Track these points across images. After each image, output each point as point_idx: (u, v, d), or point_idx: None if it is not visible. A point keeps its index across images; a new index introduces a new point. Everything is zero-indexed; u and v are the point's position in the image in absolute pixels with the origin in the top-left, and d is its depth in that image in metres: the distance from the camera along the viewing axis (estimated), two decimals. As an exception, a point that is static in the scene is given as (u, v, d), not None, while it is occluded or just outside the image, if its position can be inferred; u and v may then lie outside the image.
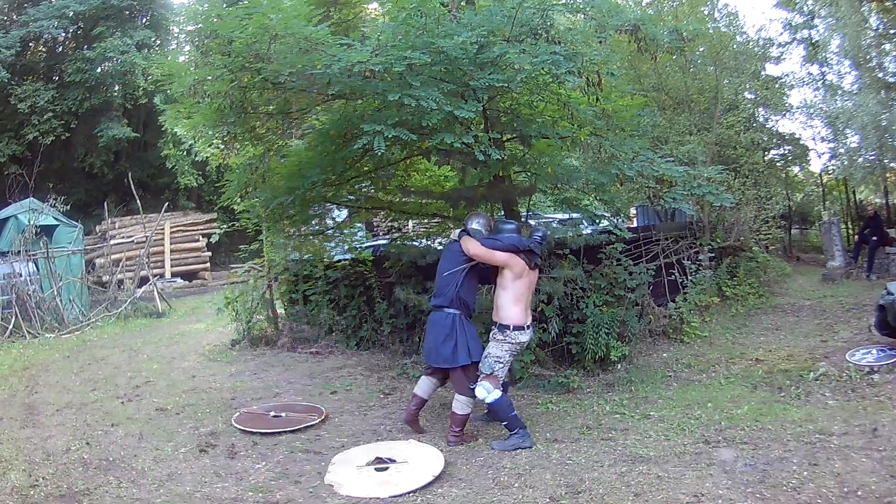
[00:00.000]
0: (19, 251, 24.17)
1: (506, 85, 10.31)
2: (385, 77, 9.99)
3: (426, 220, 17.64)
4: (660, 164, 11.97)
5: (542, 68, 10.28)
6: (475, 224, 11.02)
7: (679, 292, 16.67)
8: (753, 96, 26.29)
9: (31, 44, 44.31)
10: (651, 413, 11.29)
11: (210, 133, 13.21)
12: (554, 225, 14.95)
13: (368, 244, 17.96)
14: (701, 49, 21.39)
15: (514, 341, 10.53)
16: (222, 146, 16.67)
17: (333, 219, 16.81)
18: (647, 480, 8.53)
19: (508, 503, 8.27)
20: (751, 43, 24.77)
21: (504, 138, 12.21)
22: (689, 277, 16.99)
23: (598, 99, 11.72)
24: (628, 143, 12.09)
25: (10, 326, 21.70)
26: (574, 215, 15.21)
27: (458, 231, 11.25)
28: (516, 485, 8.77)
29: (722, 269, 18.88)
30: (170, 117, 13.88)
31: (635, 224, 22.26)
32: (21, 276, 23.28)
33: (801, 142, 32.51)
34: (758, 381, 12.77)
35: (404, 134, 10.07)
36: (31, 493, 9.35)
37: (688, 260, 17.50)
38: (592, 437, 10.33)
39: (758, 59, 25.20)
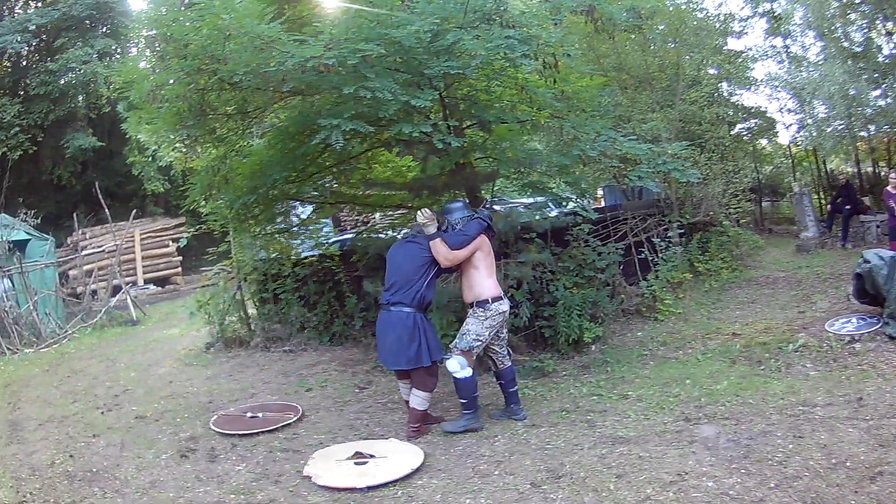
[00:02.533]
0: (-6, 268, 24.00)
1: (461, 72, 10.39)
2: (339, 71, 9.97)
3: (391, 212, 17.62)
4: (623, 143, 12.04)
5: (498, 53, 10.37)
6: (432, 227, 10.81)
7: (650, 270, 16.71)
8: (716, 71, 26.33)
9: (-6, 60, 44.16)
10: (629, 393, 11.34)
11: (171, 137, 13.12)
12: (519, 209, 14.92)
13: (335, 239, 17.95)
14: (661, 27, 21.42)
15: (496, 312, 10.56)
16: (185, 150, 16.67)
17: (298, 216, 16.80)
18: (629, 461, 8.57)
19: (489, 491, 8.28)
20: (711, 18, 24.82)
21: (463, 125, 12.24)
22: (660, 255, 17.04)
23: (555, 81, 11.74)
24: (590, 123, 12.12)
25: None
26: (539, 199, 15.26)
27: (417, 227, 11.12)
28: (496, 472, 8.80)
29: (693, 244, 18.89)
30: (131, 124, 13.82)
31: (603, 205, 22.33)
32: (-3, 292, 23.16)
33: (768, 115, 32.53)
34: (736, 355, 12.81)
35: (362, 126, 10.06)
36: None
37: (657, 238, 17.55)
38: (571, 420, 10.34)
39: (719, 33, 25.24)
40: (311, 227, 16.87)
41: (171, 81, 11.17)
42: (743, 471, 7.97)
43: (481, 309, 10.55)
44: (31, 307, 23.54)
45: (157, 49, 11.40)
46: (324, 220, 17.80)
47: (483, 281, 10.65)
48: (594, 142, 11.84)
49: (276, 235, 16.53)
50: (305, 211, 16.96)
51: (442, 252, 10.57)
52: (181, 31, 10.57)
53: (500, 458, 9.24)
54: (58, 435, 12.56)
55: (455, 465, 9.22)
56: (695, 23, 22.09)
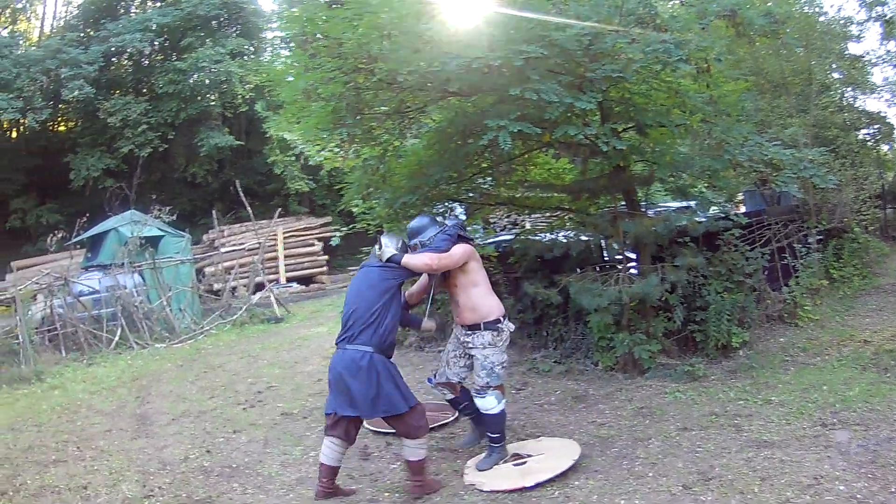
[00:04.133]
0: (122, 263, 24.39)
1: (620, 75, 10.29)
2: (503, 72, 9.95)
3: (548, 214, 17.47)
4: (768, 148, 11.99)
5: (654, 57, 10.23)
6: (392, 244, 9.73)
7: (790, 276, 16.56)
8: (841, 76, 26.03)
9: (114, 59, 44.97)
10: (772, 398, 11.22)
11: (324, 136, 13.14)
12: (672, 213, 14.81)
13: (492, 240, 17.75)
14: (788, 30, 21.24)
15: (507, 332, 9.79)
16: (337, 149, 16.65)
17: (456, 216, 16.42)
18: (772, 465, 8.64)
19: (644, 493, 8.32)
20: (832, 23, 24.57)
21: (619, 128, 12.15)
22: (800, 261, 16.87)
23: (708, 85, 11.70)
24: (737, 128, 12.01)
25: (116, 338, 21.80)
26: (686, 204, 15.17)
27: (380, 250, 9.75)
28: (650, 474, 8.81)
29: (828, 251, 18.72)
30: (279, 122, 13.89)
31: (742, 209, 22.15)
32: (126, 287, 23.46)
33: (888, 120, 32.12)
34: (866, 362, 12.64)
35: (528, 128, 9.95)
36: (146, 503, 9.51)
37: (797, 243, 17.38)
38: (720, 423, 10.27)
39: (840, 38, 24.98)
40: (469, 228, 16.22)
41: (327, 80, 11.11)
42: (870, 475, 8.10)
43: (495, 332, 9.62)
44: (165, 303, 23.79)
45: (306, 48, 11.35)
46: (479, 221, 17.56)
47: (486, 299, 9.82)
48: (742, 146, 11.76)
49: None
50: (456, 212, 16.72)
51: (424, 259, 9.48)
52: (335, 30, 10.57)
53: (654, 459, 9.24)
54: (193, 430, 12.71)
55: (611, 467, 9.21)
56: (819, 27, 21.89)
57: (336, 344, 9.44)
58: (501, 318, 9.69)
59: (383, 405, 9.00)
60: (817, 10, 22.91)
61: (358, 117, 11.81)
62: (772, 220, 16.32)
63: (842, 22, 25.87)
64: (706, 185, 14.52)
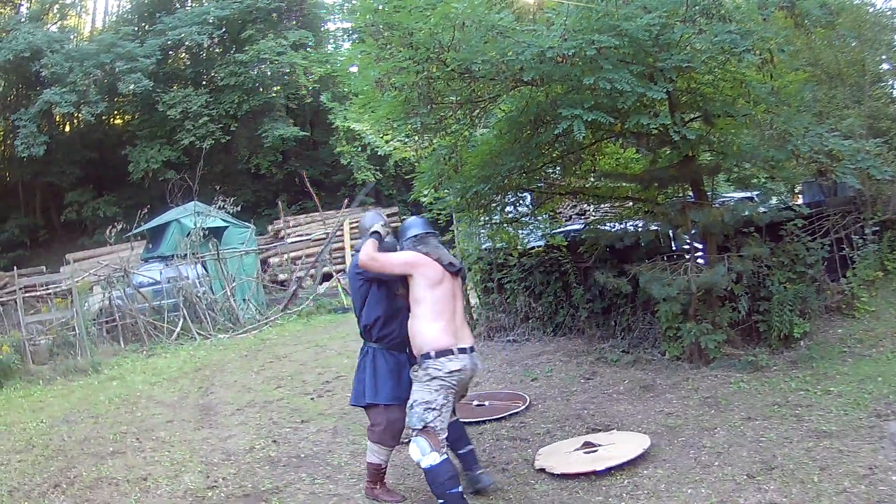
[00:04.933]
0: (185, 254, 24.53)
1: (689, 65, 10.38)
2: (576, 62, 10.04)
3: (616, 204, 17.48)
4: (828, 139, 12.05)
5: (720, 47, 10.31)
6: (376, 221, 9.01)
7: (847, 268, 16.57)
8: (890, 67, 25.88)
9: (171, 52, 45.48)
10: (831, 389, 11.24)
11: (396, 126, 13.20)
12: (738, 203, 14.80)
13: (562, 230, 17.78)
14: (839, 21, 21.19)
15: (441, 372, 8.29)
16: (406, 139, 16.70)
17: (528, 206, 16.59)
18: (831, 455, 8.71)
19: (710, 481, 8.39)
20: (881, 14, 24.45)
21: (686, 119, 12.22)
22: (857, 252, 16.87)
23: (771, 76, 11.72)
24: (797, 118, 12.02)
25: (178, 329, 22.10)
26: (750, 194, 15.21)
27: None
28: (716, 463, 8.88)
29: (883, 242, 18.68)
30: (349, 112, 13.91)
31: (800, 200, 22.10)
32: (188, 278, 23.66)
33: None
34: (919, 353, 12.66)
35: (601, 117, 10.07)
36: (209, 494, 9.57)
37: (854, 235, 17.36)
38: (781, 414, 10.30)
39: (890, 29, 24.84)
40: (539, 217, 16.55)
41: (399, 70, 11.10)
42: (920, 466, 8.10)
43: (421, 368, 8.42)
44: (229, 293, 24.02)
45: (380, 38, 11.42)
46: (549, 211, 17.59)
47: (424, 324, 8.49)
48: (803, 137, 11.80)
49: (504, 225, 16.29)
50: (527, 201, 16.77)
51: (367, 250, 8.59)
52: (408, 20, 10.57)
53: (720, 449, 9.28)
54: (259, 420, 12.76)
55: (678, 456, 9.27)
56: (869, 18, 21.83)
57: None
58: (434, 353, 8.29)
59: (354, 392, 9.25)
60: (867, 0, 22.88)
61: (430, 107, 11.77)
62: (830, 210, 16.33)
63: (888, 13, 25.77)
64: (767, 175, 14.55)
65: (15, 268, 23.86)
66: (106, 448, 11.81)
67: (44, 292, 23.44)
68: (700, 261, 12.96)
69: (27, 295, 22.53)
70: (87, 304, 22.08)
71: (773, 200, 15.39)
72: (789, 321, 13.12)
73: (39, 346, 20.43)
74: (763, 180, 14.66)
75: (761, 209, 13.45)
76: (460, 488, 8.15)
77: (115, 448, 11.78)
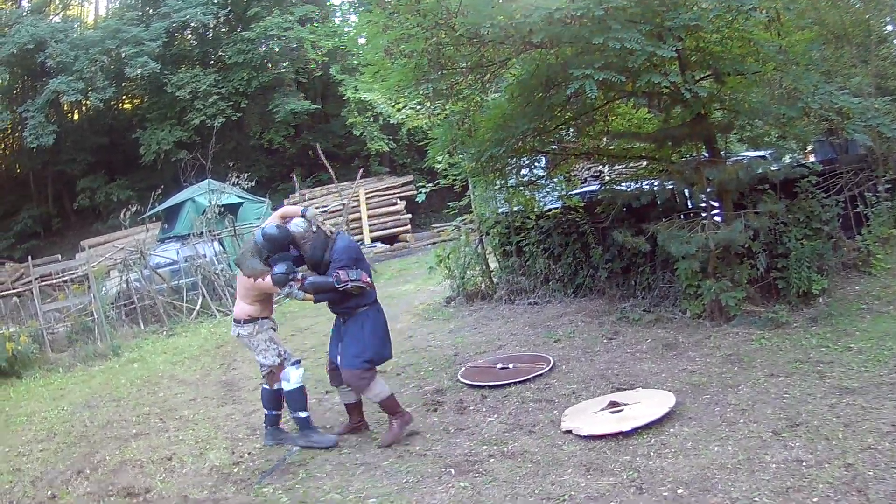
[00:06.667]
0: (201, 232, 24.57)
1: (697, 23, 10.35)
2: (584, 22, 9.99)
3: (630, 165, 17.41)
4: (837, 97, 11.97)
5: (728, 5, 10.33)
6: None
7: (862, 225, 16.55)
8: (895, 28, 25.84)
9: (176, 34, 45.59)
10: (851, 345, 11.17)
11: (407, 94, 13.22)
12: (753, 160, 14.75)
13: (577, 191, 17.72)
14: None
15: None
16: (418, 107, 16.68)
17: (543, 168, 16.54)
18: (854, 411, 8.68)
19: (737, 438, 8.39)
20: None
21: (697, 77, 12.24)
22: (871, 209, 16.87)
23: (779, 34, 11.75)
24: (806, 76, 11.96)
25: (197, 307, 22.13)
26: (763, 152, 15.20)
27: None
28: (741, 420, 8.88)
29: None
30: (362, 81, 13.92)
31: (812, 159, 22.07)
32: (205, 256, 23.66)
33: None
34: (936, 310, 12.69)
35: (613, 76, 10.14)
36: (235, 469, 9.67)
37: (868, 192, 17.35)
38: (804, 370, 10.27)
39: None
40: (555, 180, 16.48)
41: (408, 37, 11.20)
42: (940, 421, 8.13)
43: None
44: (246, 268, 23.85)
45: (387, 6, 11.43)
46: (564, 173, 17.51)
47: None
48: (813, 94, 11.76)
49: (521, 188, 16.38)
50: (542, 164, 16.75)
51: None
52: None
53: (745, 406, 9.27)
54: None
55: (704, 413, 9.26)
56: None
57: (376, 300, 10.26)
58: None
59: None
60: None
61: (441, 73, 11.88)
62: (843, 168, 16.33)
63: (891, -27, 25.69)
64: (778, 134, 14.56)
65: (30, 258, 23.81)
66: (129, 430, 11.91)
67: (60, 280, 23.47)
68: (717, 218, 12.97)
69: (43, 284, 22.58)
70: (104, 289, 22.14)
71: (787, 158, 15.39)
72: (808, 278, 13.07)
73: (58, 333, 20.52)
74: (775, 138, 14.66)
75: (775, 166, 13.45)
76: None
77: (138, 430, 11.89)
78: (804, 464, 7.56)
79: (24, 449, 11.77)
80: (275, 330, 10.39)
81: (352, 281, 9.51)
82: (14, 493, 10.00)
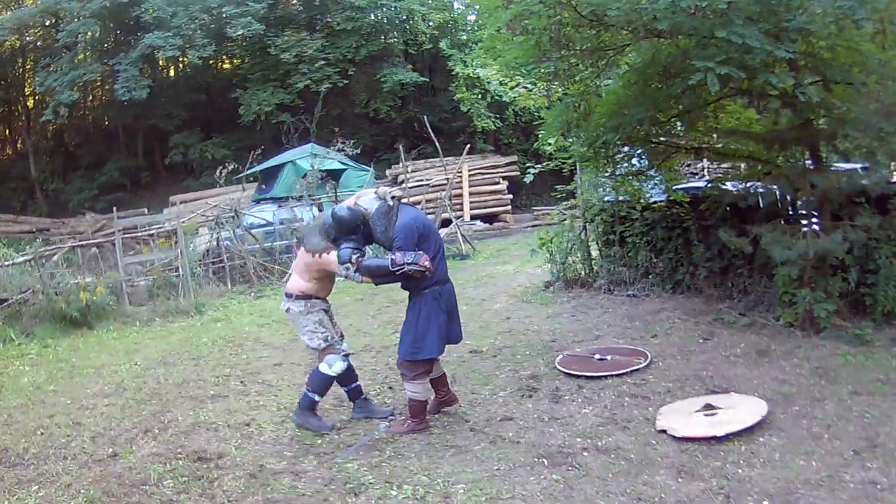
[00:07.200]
0: (300, 196, 24.79)
1: (809, 27, 10.37)
2: (707, 14, 10.16)
3: (734, 165, 17.18)
4: (936, 113, 11.76)
5: (841, 13, 10.26)
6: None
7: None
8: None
9: (283, -4, 44.93)
10: (931, 368, 11.07)
11: (528, 70, 13.21)
12: (856, 171, 14.62)
13: (682, 186, 17.27)
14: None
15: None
16: (532, 86, 16.66)
17: (646, 160, 16.22)
18: (930, 435, 8.54)
19: (821, 454, 8.31)
20: None
21: (805, 82, 12.27)
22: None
23: (883, 47, 11.72)
24: (904, 90, 11.84)
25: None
26: (859, 165, 15.15)
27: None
28: (826, 436, 8.79)
29: None
30: (475, 55, 13.89)
31: (896, 177, 21.90)
32: (303, 220, 23.78)
33: None
34: None
35: (733, 71, 10.11)
36: (318, 442, 9.67)
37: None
38: (885, 391, 10.14)
39: None
40: (663, 172, 16.15)
41: (529, 14, 11.27)
42: None
43: None
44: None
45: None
46: (670, 168, 17.27)
47: None
48: (911, 109, 11.59)
49: (629, 178, 16.14)
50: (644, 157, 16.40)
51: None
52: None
53: (829, 421, 9.18)
54: (374, 365, 12.81)
55: (792, 425, 9.19)
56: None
57: (447, 280, 9.92)
58: None
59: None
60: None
61: (562, 52, 11.92)
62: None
63: None
64: (871, 148, 14.47)
65: (115, 209, 23.58)
66: (206, 392, 12.01)
67: (145, 233, 23.34)
68: (815, 227, 12.72)
69: (126, 236, 22.64)
70: (192, 245, 22.45)
71: (883, 172, 15.37)
72: (894, 297, 12.94)
73: (138, 287, 20.71)
74: (866, 152, 14.64)
75: (871, 180, 13.43)
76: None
77: (216, 392, 11.99)
78: (879, 486, 7.53)
79: (88, 402, 11.83)
80: (327, 313, 10.30)
81: (408, 264, 9.11)
82: (70, 447, 9.92)
